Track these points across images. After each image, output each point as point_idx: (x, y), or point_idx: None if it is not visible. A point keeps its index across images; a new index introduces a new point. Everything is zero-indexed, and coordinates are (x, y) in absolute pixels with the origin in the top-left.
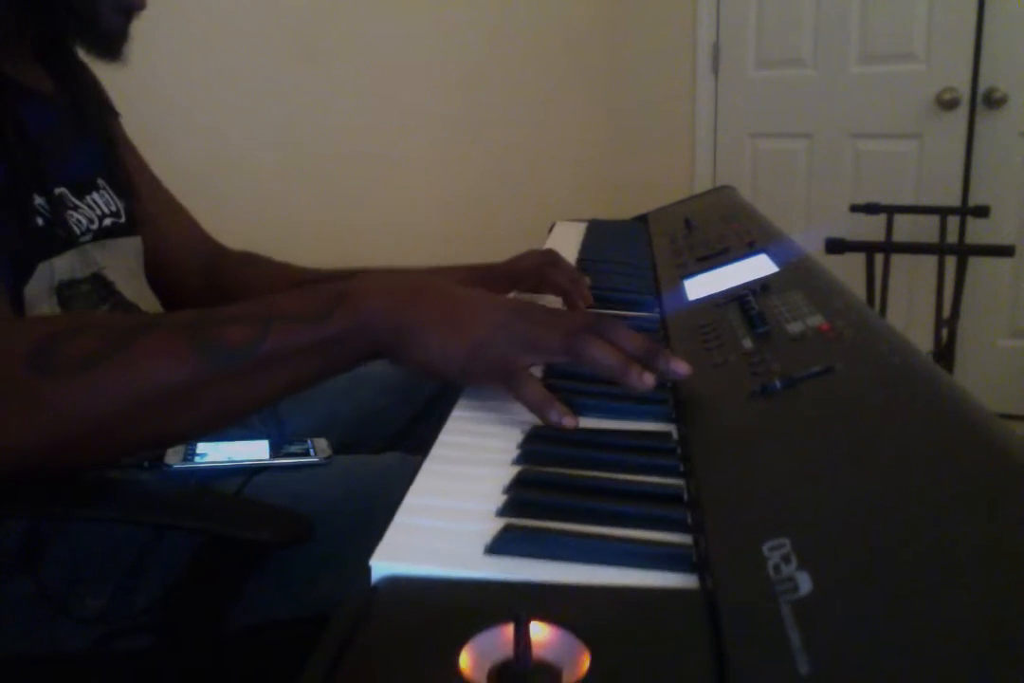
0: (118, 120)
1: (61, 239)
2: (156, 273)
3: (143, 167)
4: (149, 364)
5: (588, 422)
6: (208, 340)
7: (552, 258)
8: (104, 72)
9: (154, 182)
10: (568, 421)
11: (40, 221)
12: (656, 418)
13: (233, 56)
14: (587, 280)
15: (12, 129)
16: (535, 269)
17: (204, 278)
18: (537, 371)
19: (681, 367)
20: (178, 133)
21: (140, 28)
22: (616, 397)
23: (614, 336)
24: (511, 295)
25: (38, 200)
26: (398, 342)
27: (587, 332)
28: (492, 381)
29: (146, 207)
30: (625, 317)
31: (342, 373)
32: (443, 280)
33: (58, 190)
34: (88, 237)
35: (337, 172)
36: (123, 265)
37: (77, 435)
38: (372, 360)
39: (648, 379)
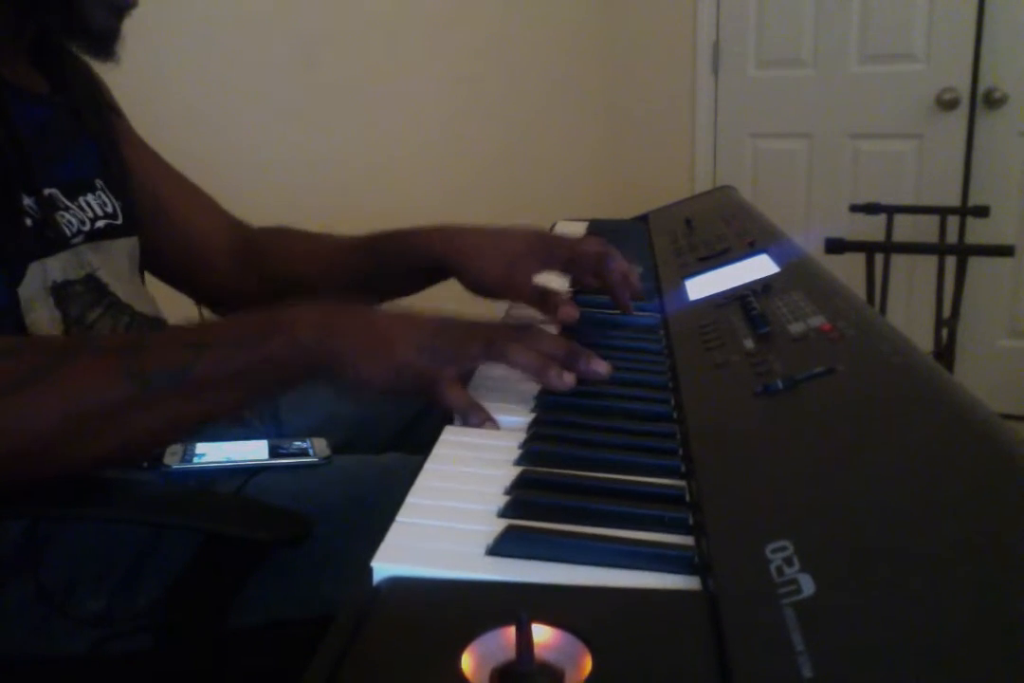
0: (123, 120)
1: (51, 240)
2: (185, 259)
3: (156, 160)
4: (79, 385)
5: (589, 422)
6: (138, 363)
7: (613, 250)
8: (107, 69)
9: (170, 170)
10: (490, 426)
11: (29, 222)
12: (658, 419)
13: (236, 54)
14: (638, 271)
15: (1, 129)
16: (596, 257)
17: (235, 257)
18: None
19: (601, 367)
20: (182, 129)
21: (148, 26)
22: (617, 397)
23: (534, 341)
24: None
25: (27, 200)
26: (329, 367)
27: (507, 338)
28: (419, 395)
29: (167, 196)
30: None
31: (278, 397)
32: (372, 308)
33: (48, 191)
34: (80, 238)
35: (336, 172)
36: (117, 267)
37: (8, 454)
38: (305, 385)
39: (568, 378)
